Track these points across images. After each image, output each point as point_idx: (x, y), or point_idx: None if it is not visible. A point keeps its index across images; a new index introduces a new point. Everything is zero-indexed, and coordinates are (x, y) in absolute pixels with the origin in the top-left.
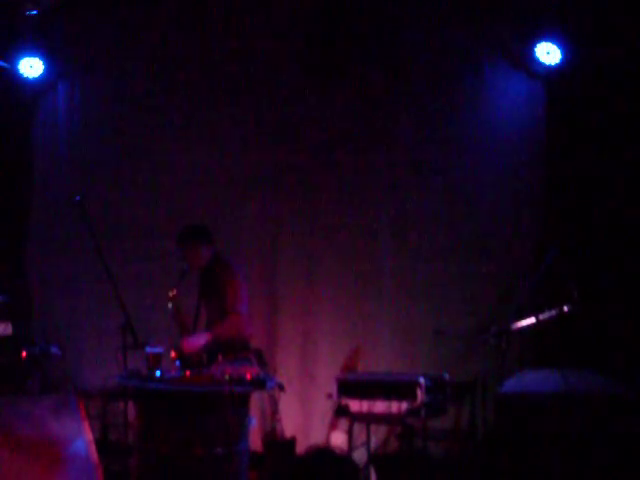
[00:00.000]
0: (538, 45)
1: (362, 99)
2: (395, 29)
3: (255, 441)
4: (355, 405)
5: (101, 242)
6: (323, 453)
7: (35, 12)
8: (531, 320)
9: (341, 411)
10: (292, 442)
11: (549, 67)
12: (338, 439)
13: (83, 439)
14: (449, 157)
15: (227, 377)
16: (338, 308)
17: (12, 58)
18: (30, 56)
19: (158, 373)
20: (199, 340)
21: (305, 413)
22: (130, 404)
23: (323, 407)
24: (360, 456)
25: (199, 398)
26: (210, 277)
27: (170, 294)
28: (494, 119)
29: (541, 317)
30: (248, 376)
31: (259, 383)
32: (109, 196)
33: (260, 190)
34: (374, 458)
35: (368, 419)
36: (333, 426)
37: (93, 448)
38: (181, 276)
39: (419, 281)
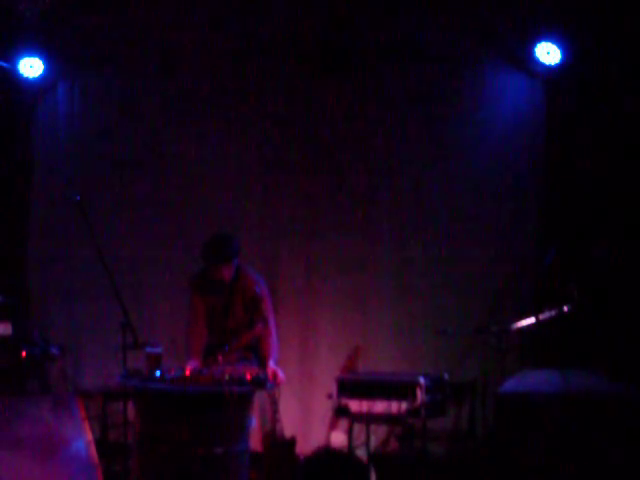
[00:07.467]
0: (538, 45)
1: (361, 99)
2: (394, 29)
3: (255, 441)
4: (355, 405)
5: (101, 242)
6: (329, 454)
7: (35, 12)
8: (531, 320)
9: (341, 411)
10: (292, 442)
11: (549, 67)
12: (338, 439)
13: (83, 439)
14: (449, 157)
15: (227, 377)
16: (338, 308)
17: (12, 58)
18: (30, 56)
19: (158, 373)
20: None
21: (305, 413)
22: (130, 404)
23: (323, 407)
24: (360, 456)
25: (199, 398)
26: (235, 288)
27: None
28: (494, 119)
29: (541, 317)
30: (248, 376)
31: (259, 383)
32: (109, 196)
33: (259, 190)
34: (374, 458)
35: (368, 419)
36: (333, 426)
37: (93, 448)
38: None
39: (419, 281)
